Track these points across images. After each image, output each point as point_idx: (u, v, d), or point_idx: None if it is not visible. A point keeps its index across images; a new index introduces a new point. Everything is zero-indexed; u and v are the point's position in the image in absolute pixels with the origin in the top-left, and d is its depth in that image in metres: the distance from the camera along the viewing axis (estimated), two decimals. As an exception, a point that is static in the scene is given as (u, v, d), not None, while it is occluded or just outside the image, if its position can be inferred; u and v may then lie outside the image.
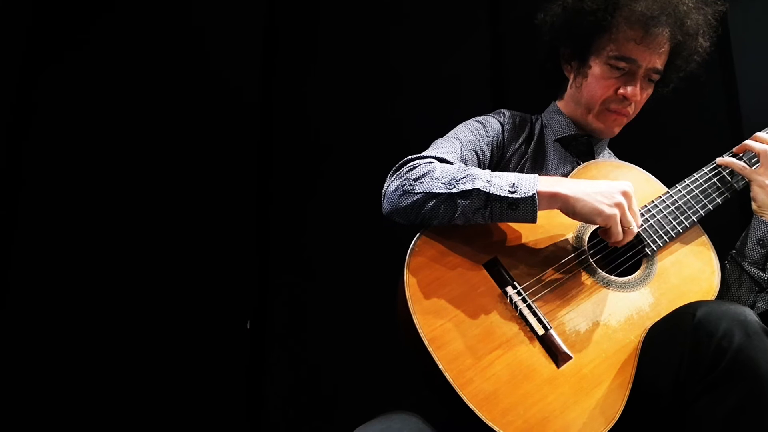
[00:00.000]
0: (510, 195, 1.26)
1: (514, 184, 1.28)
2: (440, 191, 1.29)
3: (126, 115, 2.25)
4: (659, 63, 1.48)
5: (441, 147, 1.44)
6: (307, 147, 2.24)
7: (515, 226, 1.35)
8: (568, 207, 1.28)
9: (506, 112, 1.60)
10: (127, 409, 2.04)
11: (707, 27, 1.49)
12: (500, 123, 1.56)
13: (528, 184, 1.27)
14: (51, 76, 2.27)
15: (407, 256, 1.28)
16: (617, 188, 1.29)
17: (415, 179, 1.32)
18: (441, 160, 1.38)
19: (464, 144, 1.46)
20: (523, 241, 1.34)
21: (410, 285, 1.25)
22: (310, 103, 2.27)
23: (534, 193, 1.26)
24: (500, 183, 1.28)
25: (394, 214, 1.35)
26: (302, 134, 2.26)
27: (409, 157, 1.39)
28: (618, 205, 1.28)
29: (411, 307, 1.23)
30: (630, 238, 1.31)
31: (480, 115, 1.60)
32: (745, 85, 2.09)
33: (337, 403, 2.02)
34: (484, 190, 1.27)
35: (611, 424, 1.19)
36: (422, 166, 1.35)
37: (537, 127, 1.61)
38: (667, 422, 1.19)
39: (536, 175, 1.30)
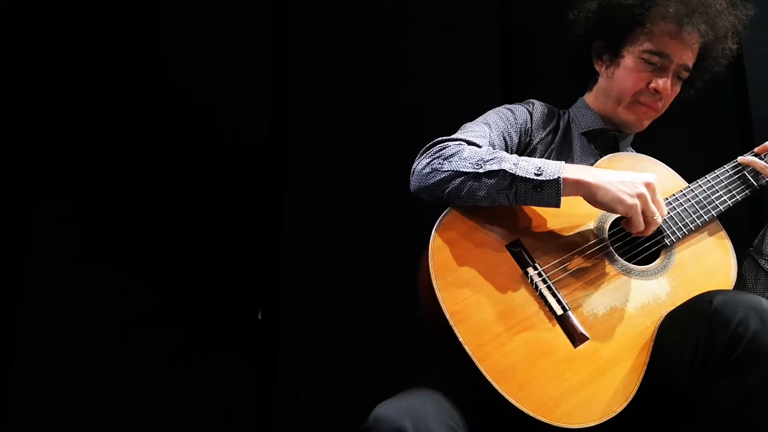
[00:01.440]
0: (535, 177, 1.30)
1: (540, 167, 1.32)
2: (467, 170, 1.34)
3: (142, 118, 2.29)
4: (690, 60, 1.53)
5: (470, 131, 1.48)
6: (319, 142, 2.27)
7: (539, 211, 1.39)
8: (591, 195, 1.31)
9: (535, 102, 1.65)
10: (140, 399, 2.07)
11: (735, 30, 1.53)
12: (529, 112, 1.60)
13: (554, 168, 1.32)
14: (59, 80, 2.32)
15: (433, 233, 1.32)
16: (640, 179, 1.32)
17: (444, 158, 1.37)
18: (470, 143, 1.42)
19: (493, 129, 1.50)
20: (547, 225, 1.38)
21: (434, 260, 1.29)
22: (321, 96, 2.30)
23: (559, 177, 1.30)
24: (526, 166, 1.32)
25: (422, 191, 1.40)
26: (314, 129, 2.29)
27: (439, 138, 1.44)
28: (639, 196, 1.30)
29: (434, 282, 1.27)
30: (653, 228, 1.33)
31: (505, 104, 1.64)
32: (755, 86, 2.12)
33: (349, 391, 2.03)
34: (510, 171, 1.31)
35: (624, 404, 1.22)
36: (451, 146, 1.39)
37: (564, 119, 1.65)
38: (683, 406, 1.22)
39: (562, 162, 1.34)
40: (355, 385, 2.04)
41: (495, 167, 1.32)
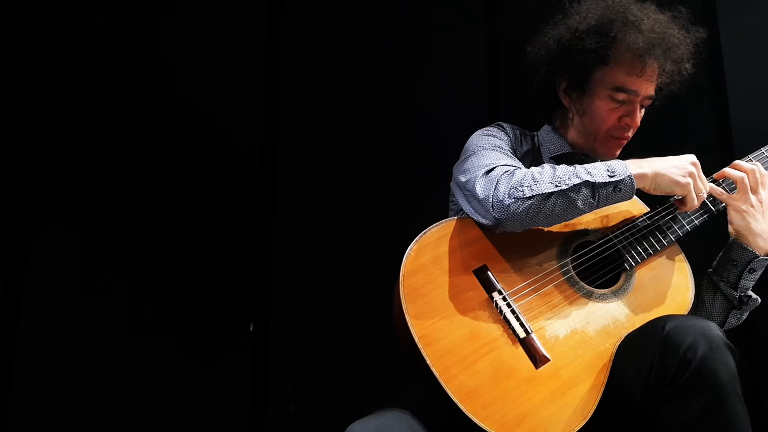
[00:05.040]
0: (611, 179, 1.40)
1: (608, 169, 1.42)
2: (551, 190, 1.40)
3: (134, 120, 2.35)
4: (653, 90, 1.61)
5: (497, 157, 1.53)
6: (309, 153, 2.32)
7: (506, 237, 1.46)
8: (653, 183, 1.44)
9: (506, 125, 1.71)
10: (133, 411, 2.13)
11: (691, 54, 1.62)
12: (507, 134, 1.67)
13: (620, 166, 1.43)
14: (59, 83, 2.37)
15: (403, 261, 1.39)
16: (687, 159, 1.47)
17: (520, 185, 1.41)
18: (517, 168, 1.48)
19: (505, 151, 1.58)
20: (512, 251, 1.45)
21: (405, 287, 1.37)
22: (313, 106, 2.36)
23: (630, 173, 1.41)
24: (597, 171, 1.42)
25: (509, 221, 1.41)
26: (306, 138, 2.34)
27: (488, 166, 1.48)
28: (691, 175, 1.44)
29: (404, 307, 1.35)
30: (699, 203, 1.47)
31: (483, 128, 1.69)
32: (734, 101, 2.19)
33: (339, 401, 2.10)
34: (591, 180, 1.40)
35: (583, 422, 1.30)
36: (515, 171, 1.45)
37: (536, 142, 1.72)
38: (639, 425, 1.30)
39: (619, 160, 1.46)
40: (344, 396, 2.11)
41: (576, 181, 1.40)
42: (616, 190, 1.41)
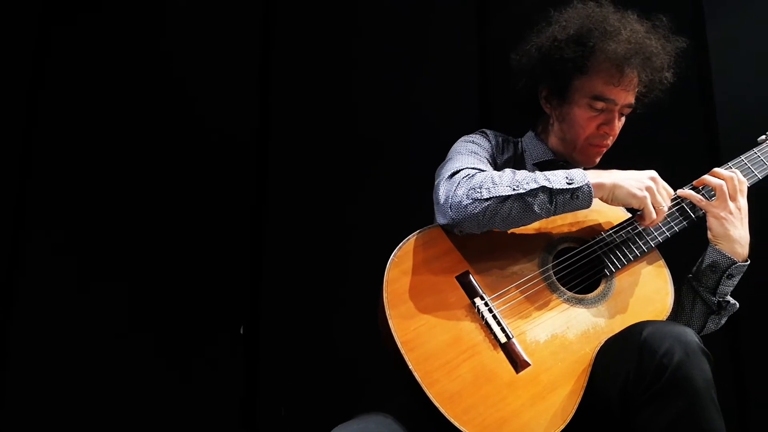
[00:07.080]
0: (569, 186, 1.42)
1: (567, 176, 1.44)
2: (508, 194, 1.42)
3: (127, 122, 2.36)
4: (632, 99, 1.63)
5: (467, 161, 1.55)
6: (301, 154, 2.34)
7: (488, 244, 1.48)
8: (609, 194, 1.46)
9: (489, 132, 1.73)
10: (125, 414, 2.14)
11: (670, 63, 1.64)
12: (488, 141, 1.70)
13: (579, 174, 1.44)
14: (54, 82, 2.39)
15: (387, 267, 1.42)
16: (646, 174, 1.49)
17: (479, 187, 1.44)
18: (482, 171, 1.50)
19: (480, 157, 1.60)
20: (494, 257, 1.48)
21: (388, 292, 1.39)
22: (306, 109, 2.38)
23: (588, 181, 1.43)
24: (556, 178, 1.44)
25: (465, 222, 1.44)
26: (298, 140, 2.36)
27: (453, 170, 1.50)
28: (648, 189, 1.46)
29: (388, 312, 1.37)
30: (662, 217, 1.48)
31: (468, 134, 1.72)
32: (722, 107, 2.21)
33: (328, 405, 2.09)
34: (549, 186, 1.42)
35: (562, 426, 1.32)
36: (476, 174, 1.47)
37: (519, 149, 1.75)
38: (616, 428, 1.32)
39: (580, 169, 1.48)
40: (335, 398, 2.11)
41: (534, 186, 1.42)
42: (573, 197, 1.43)
